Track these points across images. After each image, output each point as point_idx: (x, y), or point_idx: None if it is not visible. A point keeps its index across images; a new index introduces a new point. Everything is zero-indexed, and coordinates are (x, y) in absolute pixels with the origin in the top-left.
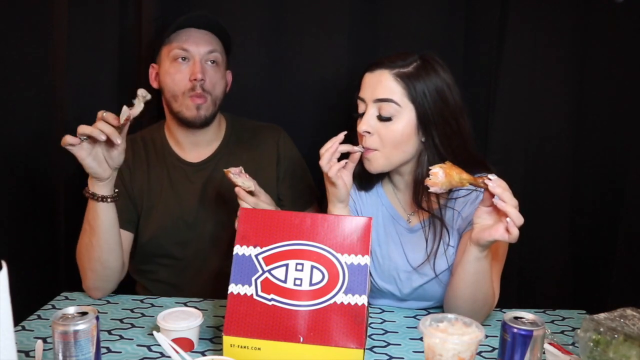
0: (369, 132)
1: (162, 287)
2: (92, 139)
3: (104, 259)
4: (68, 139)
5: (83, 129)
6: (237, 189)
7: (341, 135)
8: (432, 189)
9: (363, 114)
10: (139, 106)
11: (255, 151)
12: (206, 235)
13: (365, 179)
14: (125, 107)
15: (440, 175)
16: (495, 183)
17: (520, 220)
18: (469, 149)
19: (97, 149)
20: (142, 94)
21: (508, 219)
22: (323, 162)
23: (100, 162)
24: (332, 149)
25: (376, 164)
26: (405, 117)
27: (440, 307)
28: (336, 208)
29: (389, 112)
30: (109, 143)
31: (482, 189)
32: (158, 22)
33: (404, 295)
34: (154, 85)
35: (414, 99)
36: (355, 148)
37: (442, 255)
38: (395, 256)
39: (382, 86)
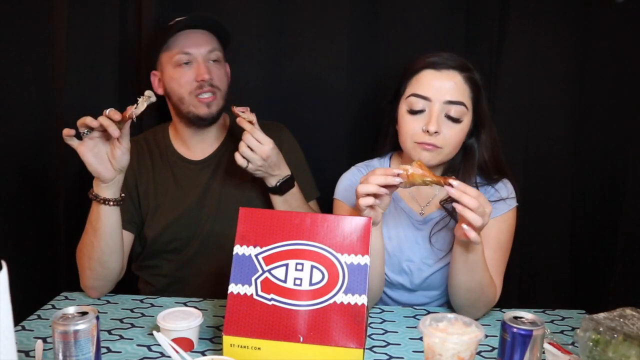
0: (437, 132)
1: (165, 281)
2: (93, 133)
3: (104, 260)
4: (65, 130)
5: (80, 120)
6: (238, 119)
7: (392, 179)
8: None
9: (420, 111)
10: (142, 106)
11: None
12: (210, 229)
13: None
14: (129, 106)
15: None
16: (456, 186)
17: (477, 222)
18: (500, 153)
19: (100, 147)
20: (148, 94)
21: (464, 224)
22: (359, 191)
23: (102, 160)
24: (371, 188)
25: (431, 157)
26: (467, 119)
27: (447, 294)
28: None
29: (459, 113)
30: (108, 136)
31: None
32: (158, 22)
33: (415, 286)
34: (159, 92)
35: (475, 103)
36: (395, 180)
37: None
38: (406, 249)
39: (456, 88)
